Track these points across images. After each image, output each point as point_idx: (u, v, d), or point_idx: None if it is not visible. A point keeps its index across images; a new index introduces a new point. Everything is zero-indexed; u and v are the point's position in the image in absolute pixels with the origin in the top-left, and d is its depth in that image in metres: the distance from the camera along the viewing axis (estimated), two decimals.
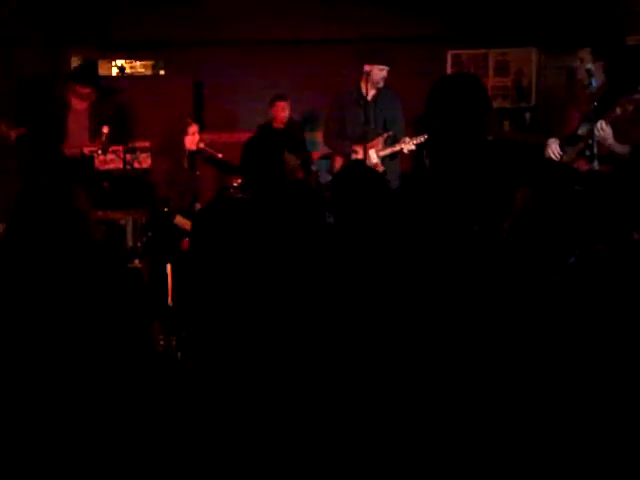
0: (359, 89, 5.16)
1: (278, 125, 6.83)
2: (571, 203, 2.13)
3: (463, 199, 2.06)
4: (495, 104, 7.86)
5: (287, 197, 2.78)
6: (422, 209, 2.08)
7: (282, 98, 6.79)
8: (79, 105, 6.09)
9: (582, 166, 4.00)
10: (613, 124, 3.79)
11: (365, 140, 5.00)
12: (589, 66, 3.97)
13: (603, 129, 3.79)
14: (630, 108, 3.78)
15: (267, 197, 2.78)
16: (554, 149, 4.17)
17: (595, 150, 3.76)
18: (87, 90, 6.02)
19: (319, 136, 7.22)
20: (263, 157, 2.80)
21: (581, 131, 4.03)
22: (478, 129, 2.07)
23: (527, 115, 7.73)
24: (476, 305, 1.99)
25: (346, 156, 5.24)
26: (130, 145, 5.55)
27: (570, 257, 2.16)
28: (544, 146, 4.23)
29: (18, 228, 2.29)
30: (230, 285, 2.66)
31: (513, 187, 2.12)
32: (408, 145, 5.01)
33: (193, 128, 5.17)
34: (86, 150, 5.85)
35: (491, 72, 7.85)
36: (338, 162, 5.34)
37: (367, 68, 5.12)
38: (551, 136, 4.24)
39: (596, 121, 3.84)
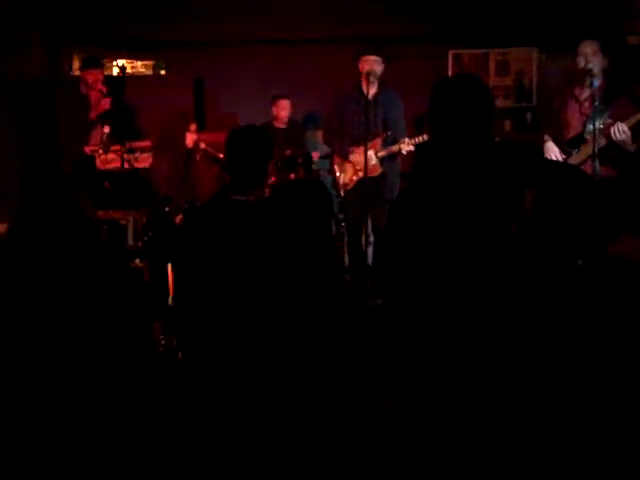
0: (360, 88, 5.14)
1: (279, 124, 6.83)
2: (579, 205, 2.13)
3: (471, 201, 2.04)
4: (496, 104, 7.84)
5: (300, 195, 2.78)
6: (428, 210, 2.07)
7: (284, 97, 6.79)
8: (94, 97, 6.11)
9: (589, 168, 3.91)
10: (633, 127, 3.71)
11: (365, 140, 4.98)
12: (590, 66, 3.90)
13: (625, 132, 3.71)
14: None
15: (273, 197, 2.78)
16: (555, 153, 4.05)
17: (596, 150, 3.72)
18: (98, 75, 6.05)
19: (319, 136, 7.22)
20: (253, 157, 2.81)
21: (588, 134, 3.91)
22: (484, 129, 2.05)
23: (528, 115, 7.72)
24: (485, 308, 1.99)
25: (344, 156, 5.22)
26: (130, 145, 5.55)
27: (578, 259, 2.15)
28: (543, 150, 4.12)
29: (21, 228, 2.29)
30: (223, 282, 2.65)
31: (521, 188, 2.11)
32: (407, 146, 4.99)
33: (193, 127, 5.17)
34: (87, 150, 5.85)
35: (492, 72, 7.85)
36: (337, 161, 5.33)
37: (359, 64, 5.11)
38: (548, 138, 4.13)
39: (599, 120, 3.78)
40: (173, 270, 3.38)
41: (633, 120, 3.74)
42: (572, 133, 4.07)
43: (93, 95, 6.01)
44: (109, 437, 2.18)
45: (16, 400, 2.13)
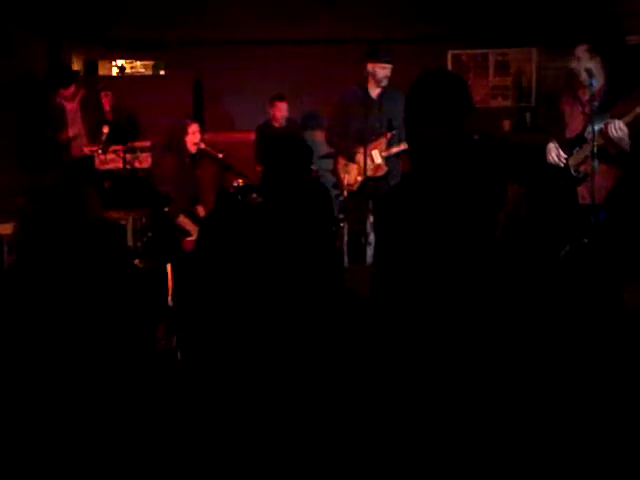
0: (364, 88, 5.13)
1: (277, 124, 6.84)
2: (560, 198, 2.19)
3: (457, 197, 2.06)
4: (495, 104, 7.87)
5: (304, 198, 2.78)
6: (419, 206, 2.09)
7: (281, 98, 6.81)
8: (69, 106, 6.14)
9: (588, 168, 3.89)
10: (630, 124, 3.69)
11: (369, 140, 4.98)
12: (589, 66, 3.88)
13: (621, 129, 3.69)
14: None
15: (284, 199, 2.78)
16: (557, 154, 4.04)
17: (595, 150, 3.71)
18: (70, 90, 6.08)
19: (319, 136, 7.21)
20: (290, 161, 2.82)
21: (587, 133, 3.90)
22: (460, 129, 2.04)
23: (527, 115, 7.73)
24: (479, 299, 2.01)
25: (349, 156, 5.21)
26: (130, 145, 5.56)
27: (562, 250, 2.20)
28: (545, 151, 4.11)
29: (28, 230, 2.29)
30: (238, 288, 2.66)
31: (504, 184, 2.13)
32: None
33: (193, 127, 5.15)
34: (86, 150, 5.86)
35: (491, 72, 7.85)
36: (341, 162, 5.32)
37: (370, 67, 5.08)
38: (550, 140, 4.12)
39: (600, 121, 3.77)
40: (192, 271, 3.38)
41: (629, 118, 3.72)
42: (574, 133, 4.06)
43: (69, 107, 6.08)
44: (110, 437, 2.18)
45: (18, 400, 2.14)
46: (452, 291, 2.00)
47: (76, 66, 7.91)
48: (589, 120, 3.90)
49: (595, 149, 3.70)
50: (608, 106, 3.83)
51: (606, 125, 3.73)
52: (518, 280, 2.06)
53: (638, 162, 3.80)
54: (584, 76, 3.88)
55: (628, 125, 3.70)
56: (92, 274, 2.27)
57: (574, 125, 4.07)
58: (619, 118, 3.71)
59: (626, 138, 3.70)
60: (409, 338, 2.04)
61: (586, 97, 4.01)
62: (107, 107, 6.68)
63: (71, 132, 6.10)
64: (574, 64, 3.98)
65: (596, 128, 3.77)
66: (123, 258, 2.69)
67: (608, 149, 3.77)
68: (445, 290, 2.01)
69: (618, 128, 3.68)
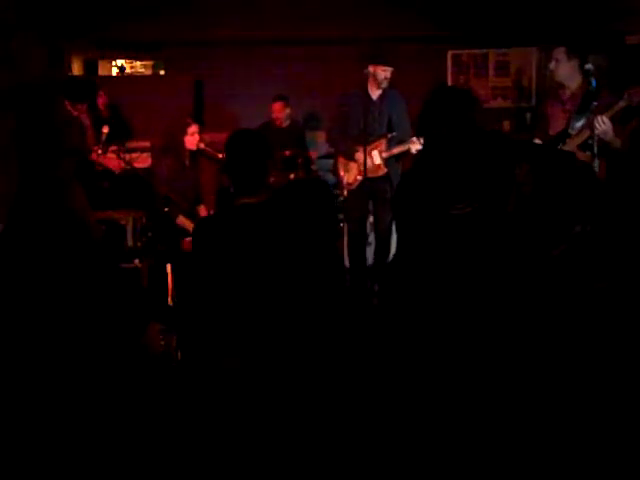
0: (364, 89, 5.15)
1: (279, 124, 6.83)
2: (570, 176, 2.27)
3: (469, 177, 2.14)
4: (495, 104, 7.87)
5: (300, 196, 2.80)
6: (430, 187, 2.16)
7: (278, 99, 6.80)
8: (82, 116, 6.13)
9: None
10: (612, 118, 3.82)
11: (369, 141, 4.99)
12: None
13: (604, 122, 3.82)
14: (636, 99, 3.82)
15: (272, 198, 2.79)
16: None
17: (595, 149, 3.77)
18: (84, 106, 6.09)
19: (319, 136, 7.22)
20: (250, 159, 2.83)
21: (572, 129, 4.06)
22: (471, 124, 2.19)
23: (527, 115, 7.73)
24: (490, 275, 2.04)
25: (349, 156, 5.23)
26: (129, 145, 5.56)
27: (576, 226, 2.25)
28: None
29: (14, 228, 2.29)
30: (234, 287, 2.66)
31: (512, 164, 2.21)
32: (416, 145, 5.00)
33: (193, 128, 5.14)
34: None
35: (491, 72, 7.85)
36: (341, 161, 5.33)
37: (371, 69, 5.11)
38: (536, 136, 4.29)
39: (581, 118, 3.92)
40: (187, 278, 3.37)
41: (611, 112, 3.86)
42: (556, 130, 4.21)
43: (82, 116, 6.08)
44: (102, 436, 2.18)
45: (8, 400, 2.14)
46: (466, 260, 2.05)
47: (76, 66, 7.92)
48: (572, 117, 4.10)
49: (596, 147, 3.77)
50: (587, 104, 3.94)
51: (591, 120, 3.84)
52: (533, 255, 2.12)
53: (626, 157, 3.91)
54: (571, 75, 4.11)
55: (611, 119, 3.84)
56: (70, 274, 2.27)
57: (557, 123, 4.23)
58: (601, 113, 3.82)
59: (610, 131, 3.85)
60: (415, 325, 2.07)
61: (566, 96, 4.22)
62: (101, 107, 6.70)
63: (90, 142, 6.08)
64: (552, 66, 4.23)
65: (578, 125, 4.01)
66: (106, 258, 2.69)
67: (592, 143, 3.88)
68: (460, 260, 2.06)
69: (602, 122, 3.83)
